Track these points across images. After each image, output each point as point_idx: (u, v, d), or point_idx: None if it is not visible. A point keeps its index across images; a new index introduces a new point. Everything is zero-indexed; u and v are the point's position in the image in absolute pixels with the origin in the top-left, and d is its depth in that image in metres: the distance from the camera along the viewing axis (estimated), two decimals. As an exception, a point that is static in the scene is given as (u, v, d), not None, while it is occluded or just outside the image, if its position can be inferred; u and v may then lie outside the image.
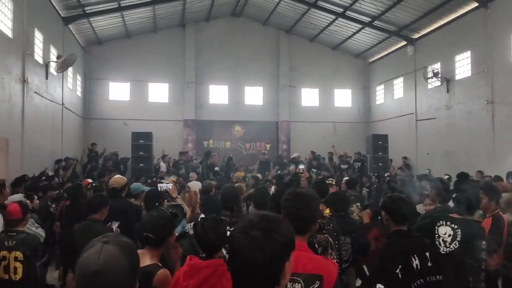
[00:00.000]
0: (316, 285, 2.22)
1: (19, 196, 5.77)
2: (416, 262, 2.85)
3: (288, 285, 2.23)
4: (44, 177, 10.06)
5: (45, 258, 4.36)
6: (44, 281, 6.31)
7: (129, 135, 14.14)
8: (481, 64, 12.88)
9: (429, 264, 2.92)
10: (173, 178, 8.55)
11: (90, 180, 8.86)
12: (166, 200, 5.06)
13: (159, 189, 5.44)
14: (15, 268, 4.14)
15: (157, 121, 17.49)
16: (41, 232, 5.18)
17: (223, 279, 2.53)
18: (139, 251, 3.06)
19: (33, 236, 4.39)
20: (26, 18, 10.52)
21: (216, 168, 13.26)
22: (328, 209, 4.10)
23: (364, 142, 16.33)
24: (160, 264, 2.94)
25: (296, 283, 2.23)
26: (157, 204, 4.58)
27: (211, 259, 2.65)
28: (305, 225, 2.39)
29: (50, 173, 11.21)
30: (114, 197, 5.38)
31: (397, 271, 2.77)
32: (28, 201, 5.37)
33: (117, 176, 6.31)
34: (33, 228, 5.06)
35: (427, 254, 2.96)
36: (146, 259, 2.93)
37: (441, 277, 2.97)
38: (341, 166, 14.98)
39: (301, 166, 7.09)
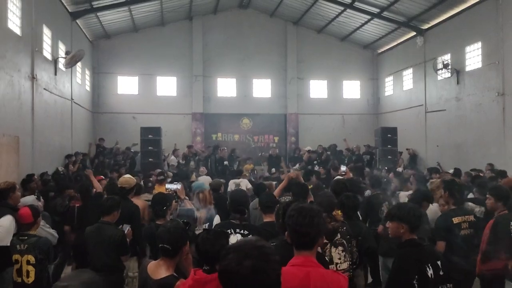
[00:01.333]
0: (327, 301, 2.23)
1: (31, 199, 5.80)
2: (430, 271, 2.84)
3: (299, 302, 2.25)
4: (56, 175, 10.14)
5: (57, 260, 4.39)
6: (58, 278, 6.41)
7: (138, 129, 14.20)
8: (492, 55, 12.70)
9: (441, 273, 2.92)
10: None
11: (102, 177, 8.82)
12: (174, 201, 5.01)
13: (166, 189, 5.40)
14: (28, 272, 4.19)
15: (165, 114, 17.56)
16: (54, 233, 5.23)
17: None
18: (154, 263, 3.12)
19: (44, 239, 4.44)
20: (34, 15, 10.55)
21: (225, 163, 13.27)
22: (339, 211, 4.11)
23: (373, 134, 16.25)
24: (176, 275, 2.96)
25: (307, 300, 2.24)
26: (164, 208, 4.58)
27: (215, 272, 2.62)
28: (311, 240, 2.40)
29: (61, 169, 11.32)
30: (122, 197, 5.39)
31: (414, 281, 2.77)
32: (40, 203, 5.41)
33: (127, 176, 6.31)
34: (46, 229, 5.12)
35: (439, 263, 2.95)
36: (162, 271, 2.97)
37: (451, 285, 2.96)
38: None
39: (343, 168, 6.96)
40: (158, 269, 2.99)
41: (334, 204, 3.99)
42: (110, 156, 14.87)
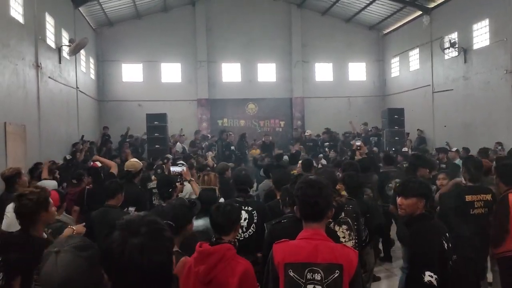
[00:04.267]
0: (336, 274, 2.21)
1: (53, 184, 5.82)
2: (446, 244, 2.82)
3: (308, 276, 2.23)
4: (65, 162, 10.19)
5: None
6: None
7: (144, 116, 14.19)
8: (500, 32, 12.49)
9: (450, 245, 2.90)
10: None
11: (99, 164, 8.69)
12: (179, 183, 4.97)
13: (171, 172, 5.39)
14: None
15: (171, 101, 17.50)
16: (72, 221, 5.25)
17: (232, 263, 2.64)
18: None
19: (66, 226, 4.44)
20: (36, 2, 10.47)
21: (232, 147, 13.25)
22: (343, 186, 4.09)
23: (380, 116, 16.13)
24: (180, 251, 2.97)
25: (316, 273, 2.22)
26: (170, 190, 4.57)
27: (219, 245, 2.72)
28: (320, 212, 2.38)
29: (68, 157, 11.33)
30: (128, 180, 5.40)
31: (437, 255, 2.75)
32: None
33: (134, 159, 6.33)
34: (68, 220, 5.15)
35: (447, 235, 2.93)
36: None
37: (455, 256, 2.95)
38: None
39: (358, 143, 6.80)
40: None
41: (336, 178, 3.98)
42: (124, 141, 14.82)
